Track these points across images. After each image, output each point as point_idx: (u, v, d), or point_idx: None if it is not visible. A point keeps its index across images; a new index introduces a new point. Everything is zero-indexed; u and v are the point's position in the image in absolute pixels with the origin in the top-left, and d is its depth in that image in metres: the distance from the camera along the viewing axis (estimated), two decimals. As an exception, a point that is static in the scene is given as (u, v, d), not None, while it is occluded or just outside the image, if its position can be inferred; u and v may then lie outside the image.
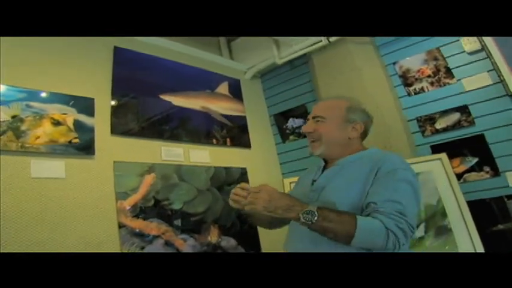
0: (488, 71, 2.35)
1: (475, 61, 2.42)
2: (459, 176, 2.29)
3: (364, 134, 1.44)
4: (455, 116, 2.41)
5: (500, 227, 2.11)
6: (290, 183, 2.79)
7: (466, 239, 2.06)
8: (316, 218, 1.09)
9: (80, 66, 2.19)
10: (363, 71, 2.73)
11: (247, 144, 2.97)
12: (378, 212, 1.12)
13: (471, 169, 2.29)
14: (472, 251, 2.02)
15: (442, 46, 2.55)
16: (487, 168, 2.24)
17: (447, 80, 2.50)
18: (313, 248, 1.21)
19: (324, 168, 1.43)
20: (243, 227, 2.55)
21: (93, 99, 2.15)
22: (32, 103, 1.89)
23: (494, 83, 2.31)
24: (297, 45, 2.97)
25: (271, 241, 2.66)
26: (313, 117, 1.42)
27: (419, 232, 2.18)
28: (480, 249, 2.01)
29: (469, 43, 2.42)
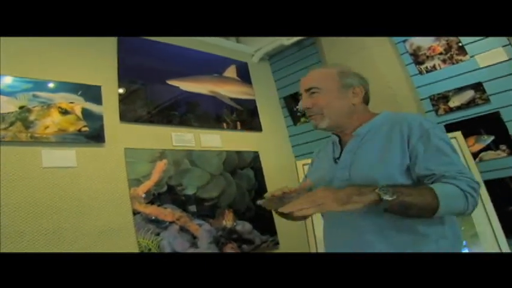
0: (503, 46, 2.28)
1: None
2: (475, 155, 2.25)
3: (366, 99, 1.34)
4: (470, 94, 2.36)
5: (519, 206, 2.08)
6: (303, 165, 2.77)
7: (484, 219, 2.04)
8: (394, 194, 0.98)
9: (85, 55, 2.16)
10: (372, 50, 2.68)
11: (258, 128, 2.95)
12: (444, 177, 1.05)
13: (487, 148, 2.25)
14: (490, 230, 2.01)
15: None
16: (503, 147, 2.20)
17: (460, 57, 2.44)
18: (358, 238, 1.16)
19: (340, 142, 1.34)
20: (258, 211, 2.53)
21: (100, 87, 2.12)
22: (38, 93, 1.88)
23: (510, 59, 2.24)
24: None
25: (287, 225, 2.65)
26: (307, 90, 1.33)
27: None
28: (498, 228, 2.00)
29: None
